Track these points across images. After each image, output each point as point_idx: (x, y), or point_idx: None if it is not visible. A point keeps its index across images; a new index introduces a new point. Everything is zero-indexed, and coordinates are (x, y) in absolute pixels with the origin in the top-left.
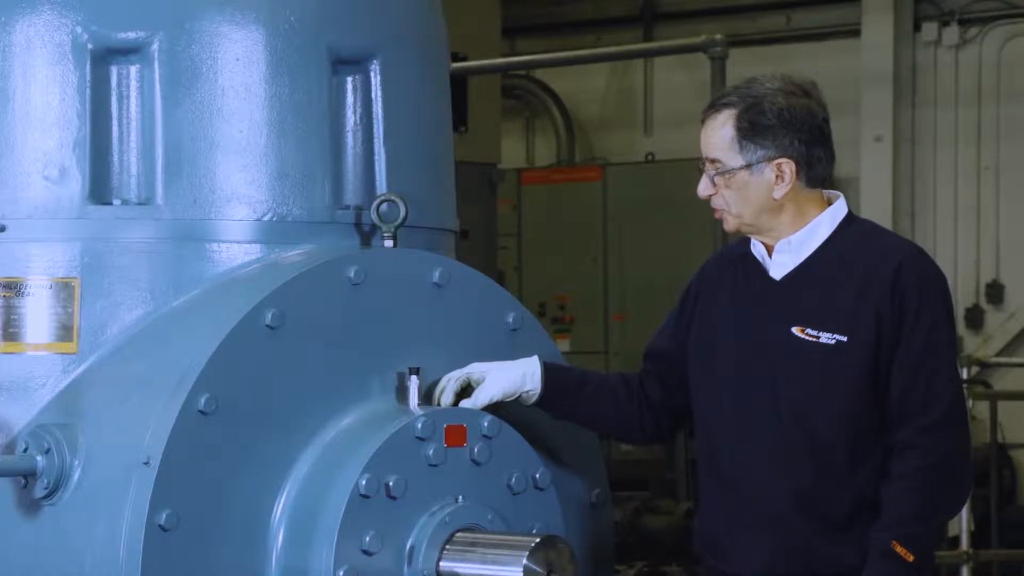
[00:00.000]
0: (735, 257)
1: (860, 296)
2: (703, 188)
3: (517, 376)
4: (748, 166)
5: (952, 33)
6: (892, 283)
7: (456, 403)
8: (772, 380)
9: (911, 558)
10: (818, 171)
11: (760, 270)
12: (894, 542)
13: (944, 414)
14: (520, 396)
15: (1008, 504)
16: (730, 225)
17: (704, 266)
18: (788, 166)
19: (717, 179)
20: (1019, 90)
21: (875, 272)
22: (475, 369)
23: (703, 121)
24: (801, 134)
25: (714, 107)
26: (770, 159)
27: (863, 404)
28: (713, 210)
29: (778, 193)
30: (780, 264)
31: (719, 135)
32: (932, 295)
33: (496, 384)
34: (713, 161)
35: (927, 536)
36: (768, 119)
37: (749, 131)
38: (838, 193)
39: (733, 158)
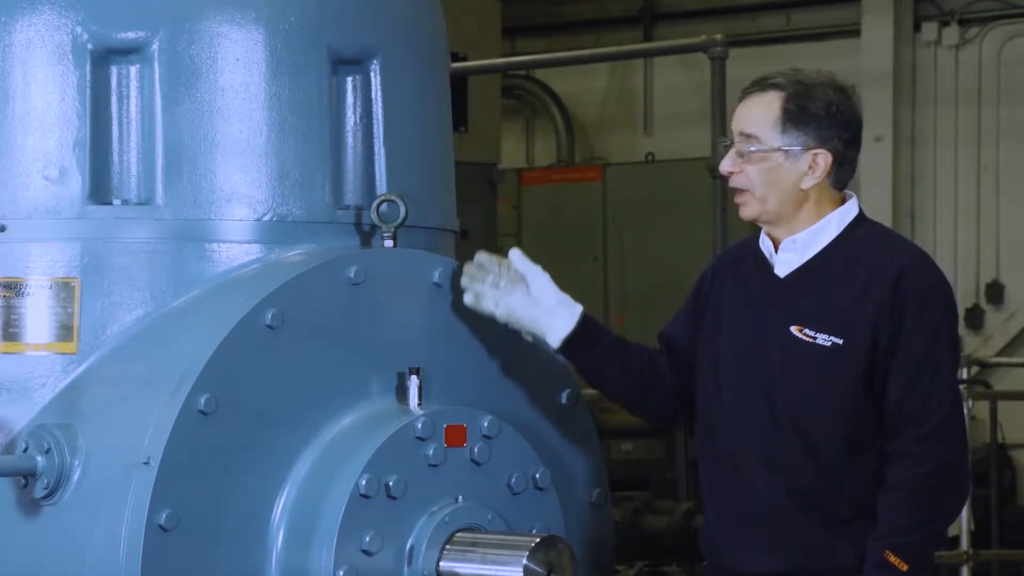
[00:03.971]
0: (748, 251)
1: (860, 299)
2: (728, 164)
3: (556, 294)
4: (785, 150)
5: (952, 33)
6: (893, 288)
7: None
8: (769, 379)
9: (905, 567)
10: (846, 173)
11: (766, 266)
12: (887, 552)
13: (940, 424)
14: (546, 330)
15: (1008, 504)
16: (750, 211)
17: (721, 256)
18: (824, 158)
19: (748, 155)
20: (1019, 90)
21: (877, 276)
22: (534, 269)
23: (743, 97)
24: (843, 132)
25: (761, 85)
26: (808, 148)
27: (857, 407)
28: (734, 193)
29: (806, 183)
30: (785, 262)
31: (763, 112)
32: (933, 303)
33: (540, 276)
34: (749, 136)
35: (921, 544)
36: (817, 108)
37: (796, 115)
38: (851, 193)
39: (773, 138)
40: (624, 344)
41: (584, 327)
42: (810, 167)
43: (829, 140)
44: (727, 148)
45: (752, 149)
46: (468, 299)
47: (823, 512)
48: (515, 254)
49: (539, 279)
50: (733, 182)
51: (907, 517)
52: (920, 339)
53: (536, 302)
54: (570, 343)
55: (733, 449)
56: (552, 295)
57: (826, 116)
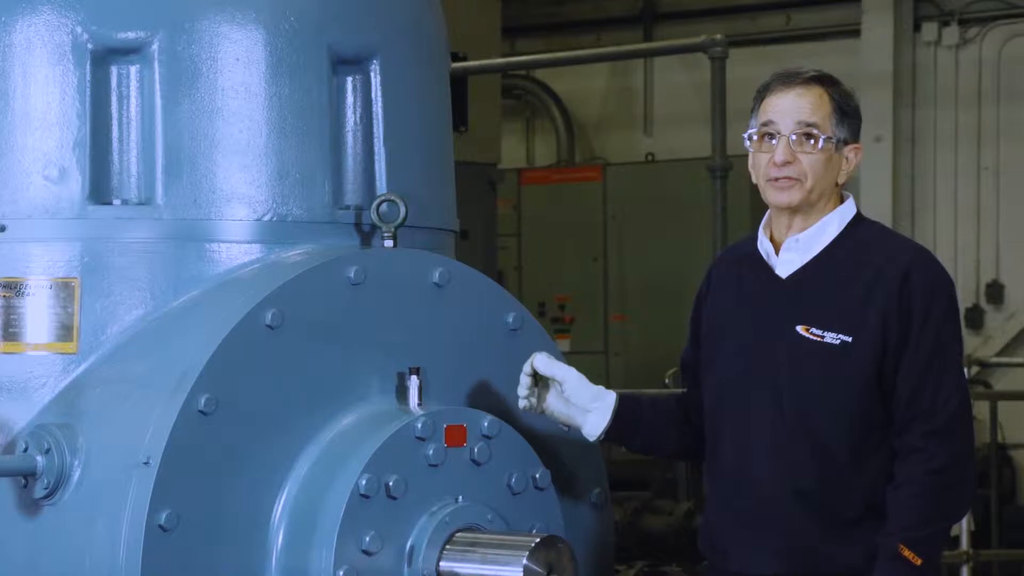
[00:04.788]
0: (741, 256)
1: (867, 297)
2: (785, 153)
3: (589, 392)
4: (839, 140)
5: (952, 33)
6: (900, 285)
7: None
8: (775, 379)
9: (919, 561)
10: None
11: (766, 268)
12: (901, 545)
13: (950, 419)
14: (581, 424)
15: (1008, 504)
16: (794, 197)
17: (710, 269)
18: (857, 154)
19: (807, 145)
20: (1019, 90)
21: (883, 273)
22: (562, 372)
23: (782, 89)
24: (859, 129)
25: (803, 79)
26: (848, 142)
27: (865, 405)
28: (776, 180)
29: (842, 177)
30: (787, 262)
31: (819, 103)
32: (940, 299)
33: (573, 374)
34: (810, 125)
35: (934, 539)
36: (850, 105)
37: (841, 110)
38: (848, 193)
39: (830, 129)
40: (661, 405)
41: (620, 417)
42: (846, 161)
43: (857, 136)
44: (767, 136)
45: (823, 137)
46: (522, 404)
47: (830, 513)
48: (540, 361)
49: (570, 380)
50: (783, 171)
51: (920, 512)
52: (929, 335)
53: (568, 402)
54: (608, 434)
55: (739, 450)
56: (585, 394)
57: (854, 114)
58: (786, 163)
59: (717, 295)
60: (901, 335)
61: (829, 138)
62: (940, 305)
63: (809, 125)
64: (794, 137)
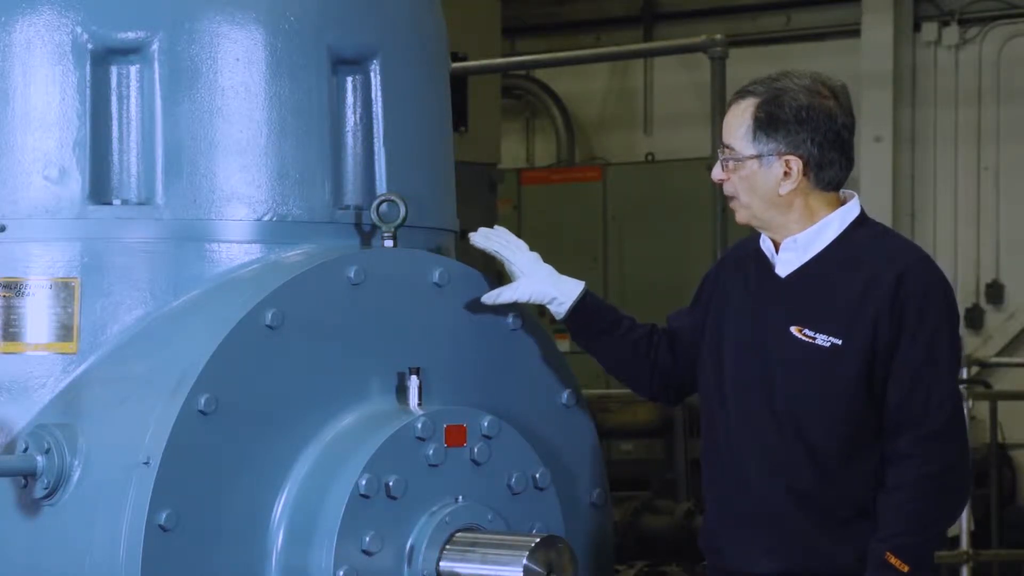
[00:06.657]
0: (750, 250)
1: (860, 300)
2: (715, 172)
3: (547, 293)
4: (758, 157)
5: (952, 33)
6: (894, 289)
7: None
8: (769, 378)
9: (906, 568)
10: (829, 174)
11: (768, 266)
12: (888, 553)
13: (942, 425)
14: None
15: (1008, 504)
16: (740, 216)
17: (726, 255)
18: (795, 163)
19: (726, 165)
20: (1019, 90)
21: (878, 277)
22: (518, 266)
23: (728, 106)
24: (815, 135)
25: (740, 94)
26: (779, 154)
27: (856, 408)
28: (727, 199)
29: (784, 189)
30: (786, 262)
31: (737, 122)
32: (935, 304)
33: (524, 289)
34: (727, 147)
35: (922, 546)
36: (784, 114)
37: (765, 123)
38: (853, 193)
39: (745, 147)
40: (622, 329)
41: (578, 312)
42: (785, 173)
43: (800, 145)
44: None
45: (726, 159)
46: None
47: (823, 513)
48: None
49: (530, 297)
50: (724, 189)
51: (908, 519)
52: (921, 341)
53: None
54: (568, 323)
55: (734, 448)
56: (544, 298)
57: (794, 121)
58: (722, 180)
59: (724, 288)
60: (893, 339)
61: (739, 158)
62: (934, 309)
63: (726, 147)
64: (722, 158)
